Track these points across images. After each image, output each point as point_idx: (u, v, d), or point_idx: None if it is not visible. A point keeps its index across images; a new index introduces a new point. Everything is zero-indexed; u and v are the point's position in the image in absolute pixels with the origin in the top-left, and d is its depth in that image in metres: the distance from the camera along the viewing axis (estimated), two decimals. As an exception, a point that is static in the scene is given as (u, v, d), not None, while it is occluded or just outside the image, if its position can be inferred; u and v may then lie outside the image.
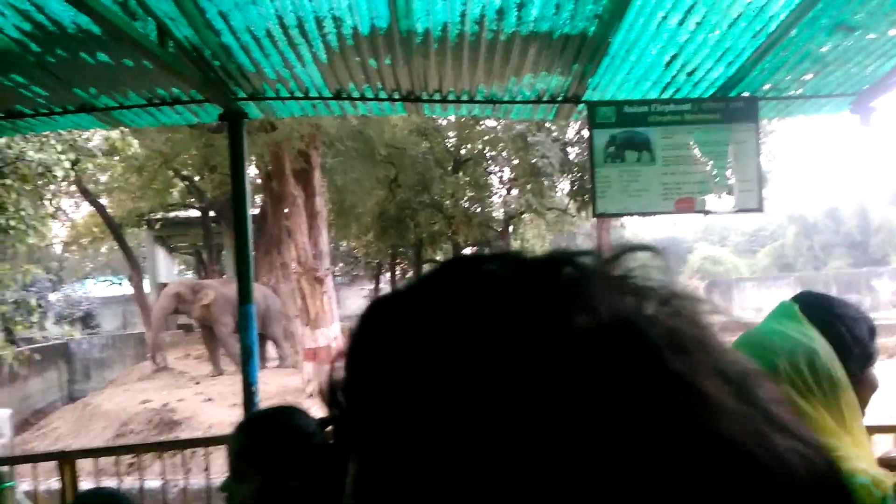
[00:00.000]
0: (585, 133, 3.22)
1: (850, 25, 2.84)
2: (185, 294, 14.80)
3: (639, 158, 3.30)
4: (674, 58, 2.94)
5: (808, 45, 2.88)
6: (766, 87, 3.20)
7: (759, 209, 3.29)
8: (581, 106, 3.39)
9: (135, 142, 9.56)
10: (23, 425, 12.42)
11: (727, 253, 41.49)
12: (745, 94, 3.23)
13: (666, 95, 3.28)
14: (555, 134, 17.91)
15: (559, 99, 3.35)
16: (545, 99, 3.35)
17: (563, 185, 20.25)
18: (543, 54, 2.87)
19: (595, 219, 15.48)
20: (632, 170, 3.31)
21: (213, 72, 2.97)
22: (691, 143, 3.24)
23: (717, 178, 3.25)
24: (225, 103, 3.20)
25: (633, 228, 42.03)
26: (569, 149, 18.24)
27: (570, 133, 17.83)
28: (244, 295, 3.25)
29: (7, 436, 8.69)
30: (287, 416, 1.52)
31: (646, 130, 3.29)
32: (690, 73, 3.07)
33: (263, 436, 1.44)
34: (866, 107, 3.31)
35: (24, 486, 4.42)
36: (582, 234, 31.82)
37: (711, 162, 3.25)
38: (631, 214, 3.41)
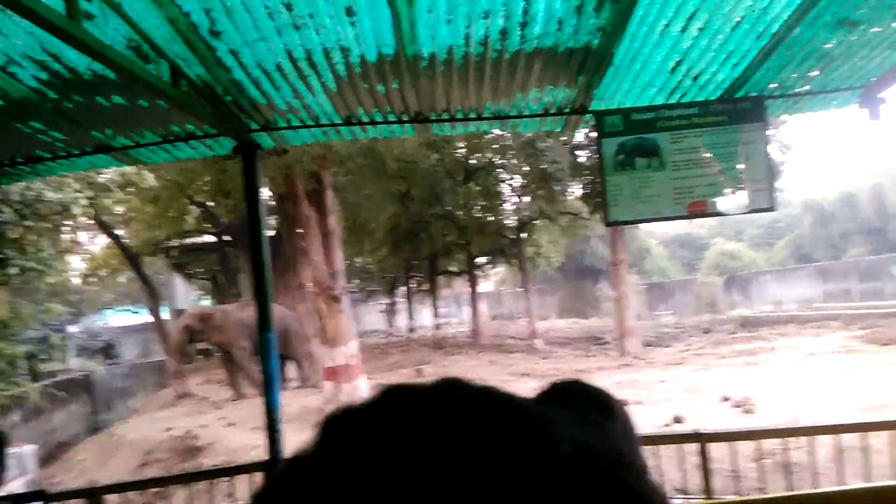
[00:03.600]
0: (595, 135, 3.24)
1: (854, 20, 2.85)
2: (193, 325, 14.98)
3: (649, 164, 3.32)
4: (678, 63, 2.96)
5: (813, 42, 2.89)
6: (773, 85, 3.21)
7: (772, 208, 3.29)
8: (588, 116, 3.41)
9: (150, 175, 9.70)
10: (48, 459, 12.53)
11: (744, 247, 41.16)
12: (752, 94, 3.24)
13: (673, 100, 3.30)
14: (564, 138, 17.92)
15: (566, 110, 3.38)
16: (552, 111, 3.38)
17: (575, 189, 20.24)
18: (549, 69, 2.90)
19: (608, 221, 15.46)
20: (642, 176, 3.32)
21: (225, 107, 3.03)
22: (700, 146, 3.26)
23: (728, 180, 3.26)
24: (238, 136, 3.26)
25: (648, 227, 41.88)
26: (579, 152, 18.23)
27: (580, 137, 17.81)
28: (263, 322, 3.29)
29: (33, 471, 8.79)
30: None
31: (654, 136, 3.32)
32: (696, 78, 3.09)
33: None
34: (875, 99, 3.31)
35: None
36: (596, 237, 31.75)
37: (721, 164, 3.26)
38: (644, 221, 3.42)
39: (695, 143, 3.28)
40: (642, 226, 33.09)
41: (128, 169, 8.59)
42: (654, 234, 45.52)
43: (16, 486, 7.53)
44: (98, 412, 18.07)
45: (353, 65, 2.69)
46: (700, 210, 3.34)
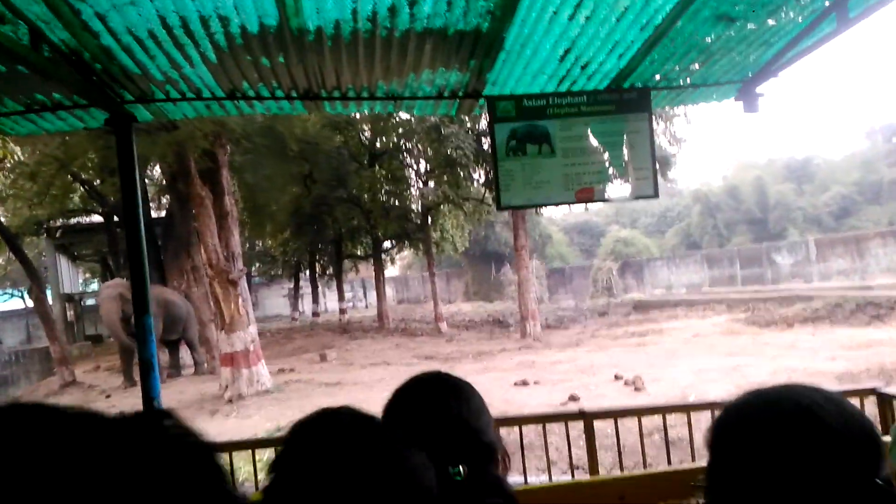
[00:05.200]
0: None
1: (731, 16, 2.98)
2: (126, 294, 13.91)
3: (539, 151, 3.36)
4: (567, 51, 2.99)
5: (694, 35, 3.00)
6: (657, 77, 3.31)
7: (655, 195, 3.41)
8: (481, 101, 3.41)
9: (17, 148, 8.97)
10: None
11: (638, 234, 43.03)
12: (638, 85, 3.34)
13: (563, 88, 3.34)
14: (469, 125, 18.05)
15: (459, 94, 3.36)
16: (446, 94, 3.36)
17: (479, 175, 20.46)
18: (440, 50, 2.87)
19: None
20: (533, 162, 3.36)
21: (94, 75, 2.81)
22: (588, 134, 3.33)
23: (615, 167, 3.35)
24: (111, 107, 3.05)
25: (549, 214, 43.00)
26: (483, 139, 18.43)
27: (484, 124, 17.98)
28: (140, 305, 3.11)
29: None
30: None
31: (545, 123, 3.36)
32: (584, 66, 3.14)
33: None
34: (751, 93, 3.48)
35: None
36: (500, 223, 32.31)
37: (608, 152, 3.34)
38: (534, 206, 3.47)
39: (583, 131, 3.35)
40: (544, 213, 33.96)
41: (-5, 141, 7.93)
42: (555, 221, 46.82)
43: None
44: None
45: (233, 35, 2.55)
46: (588, 196, 3.42)
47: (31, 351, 21.14)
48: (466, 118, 17.42)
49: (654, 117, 3.62)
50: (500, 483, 1.25)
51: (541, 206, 3.35)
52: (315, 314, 31.00)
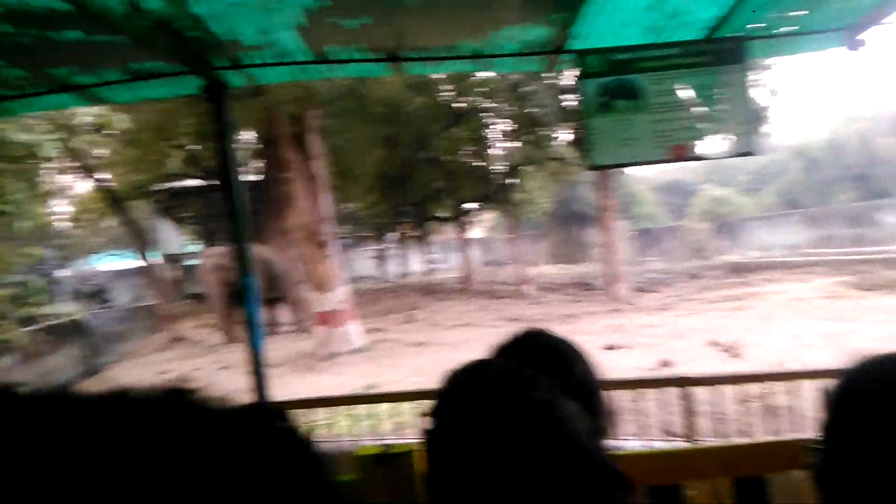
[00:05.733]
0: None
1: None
2: (223, 263, 14.76)
3: (630, 107, 3.24)
4: (659, 0, 2.85)
5: (798, -21, 2.79)
6: (756, 26, 3.10)
7: (753, 152, 3.23)
8: (568, 56, 3.30)
9: (120, 116, 9.48)
10: (43, 402, 12.64)
11: (733, 193, 41.16)
12: (734, 34, 3.14)
13: (653, 40, 3.19)
14: (552, 82, 17.63)
15: (546, 50, 3.27)
16: (531, 51, 3.27)
17: (563, 135, 20.03)
18: (525, 4, 2.79)
19: (597, 166, 15.42)
20: (624, 119, 3.24)
21: (189, 43, 2.90)
22: (681, 87, 3.17)
23: (710, 123, 3.19)
24: (205, 74, 3.15)
25: (637, 173, 41.73)
26: (566, 96, 17.97)
27: (568, 80, 17.52)
28: (243, 267, 3.25)
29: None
30: None
31: (636, 77, 3.22)
32: (677, 16, 2.98)
33: None
34: (859, 40, 3.22)
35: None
36: (584, 183, 31.63)
37: (703, 106, 3.18)
38: (625, 165, 3.36)
39: (676, 85, 3.20)
40: (631, 172, 32.95)
41: (97, 110, 8.38)
42: (643, 180, 45.42)
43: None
44: (92, 356, 18.14)
45: (319, -2, 2.57)
46: (681, 154, 3.27)
47: (139, 308, 22.60)
48: (549, 75, 17.01)
49: (749, 72, 3.41)
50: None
51: (632, 165, 3.24)
52: (401, 276, 31.56)
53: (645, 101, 3.24)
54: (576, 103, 17.84)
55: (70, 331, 17.67)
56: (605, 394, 1.29)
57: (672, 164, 3.57)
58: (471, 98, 20.86)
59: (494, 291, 22.76)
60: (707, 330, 11.80)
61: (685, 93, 3.23)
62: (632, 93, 3.24)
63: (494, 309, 18.45)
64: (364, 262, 39.52)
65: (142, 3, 2.55)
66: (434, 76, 18.46)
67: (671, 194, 45.52)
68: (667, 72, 3.16)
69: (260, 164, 18.42)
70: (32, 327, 12.50)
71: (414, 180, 23.25)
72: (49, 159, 7.46)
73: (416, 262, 35.28)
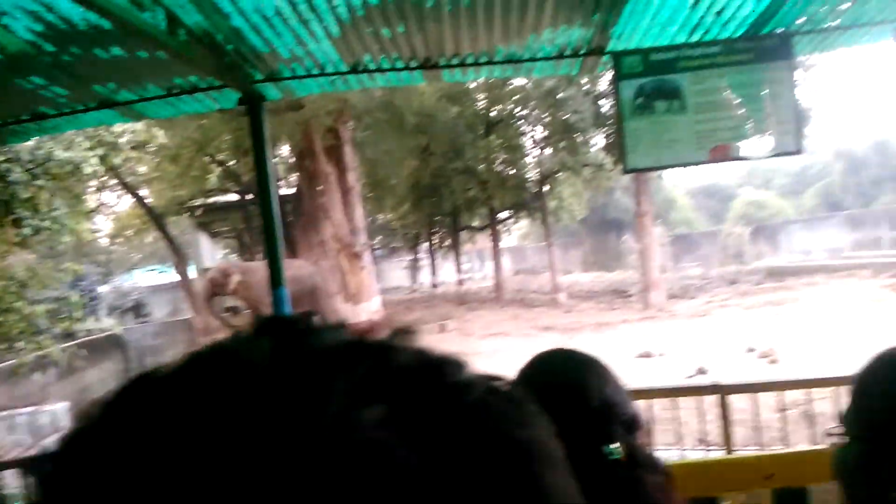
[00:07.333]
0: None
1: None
2: (217, 278, 15.03)
3: (669, 107, 3.18)
4: (700, -2, 2.79)
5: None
6: (801, 20, 3.02)
7: (798, 151, 3.14)
8: (606, 57, 3.26)
9: (160, 132, 9.67)
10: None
11: (772, 196, 40.36)
12: (778, 30, 3.06)
13: (695, 38, 3.13)
14: (587, 87, 17.53)
15: (582, 52, 3.23)
16: (568, 53, 3.24)
17: (598, 140, 19.87)
18: (562, 6, 2.76)
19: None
20: (662, 120, 3.18)
21: (227, 56, 2.94)
22: (723, 87, 3.10)
23: (753, 122, 3.11)
24: (243, 87, 3.18)
25: (674, 178, 41.21)
26: (601, 102, 17.82)
27: (603, 85, 17.39)
28: (275, 278, 3.26)
29: (66, 428, 9.03)
30: None
31: (675, 77, 3.16)
32: (719, 13, 2.91)
33: None
34: (912, 32, 3.11)
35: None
36: (620, 189, 31.33)
37: (746, 105, 3.10)
38: (664, 167, 3.29)
39: (717, 84, 3.13)
40: (667, 175, 32.56)
41: (137, 126, 8.57)
42: (680, 185, 44.79)
43: (50, 443, 7.75)
44: (130, 370, 18.48)
45: (354, 7, 2.57)
46: (723, 155, 3.20)
47: (177, 322, 22.96)
48: (584, 80, 16.91)
49: (794, 69, 3.31)
50: (654, 458, 1.18)
51: (671, 167, 3.17)
52: (434, 285, 31.57)
53: (685, 102, 3.17)
54: (610, 108, 17.73)
55: (107, 345, 18.01)
56: (637, 405, 1.24)
57: (711, 165, 3.50)
58: (505, 106, 20.84)
59: (528, 300, 22.61)
60: (745, 336, 11.55)
61: (727, 92, 3.15)
62: (671, 93, 3.18)
63: (528, 318, 18.31)
64: (397, 272, 39.64)
65: (182, 18, 2.59)
66: (469, 85, 18.51)
67: (708, 198, 44.79)
68: (708, 70, 3.09)
69: (295, 177, 18.65)
70: (70, 343, 12.80)
71: (447, 190, 23.26)
72: (90, 176, 7.66)
73: (448, 272, 35.29)
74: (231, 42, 2.82)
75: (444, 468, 0.27)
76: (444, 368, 0.33)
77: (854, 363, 0.98)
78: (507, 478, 0.30)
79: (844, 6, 2.98)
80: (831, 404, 4.71)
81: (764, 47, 3.06)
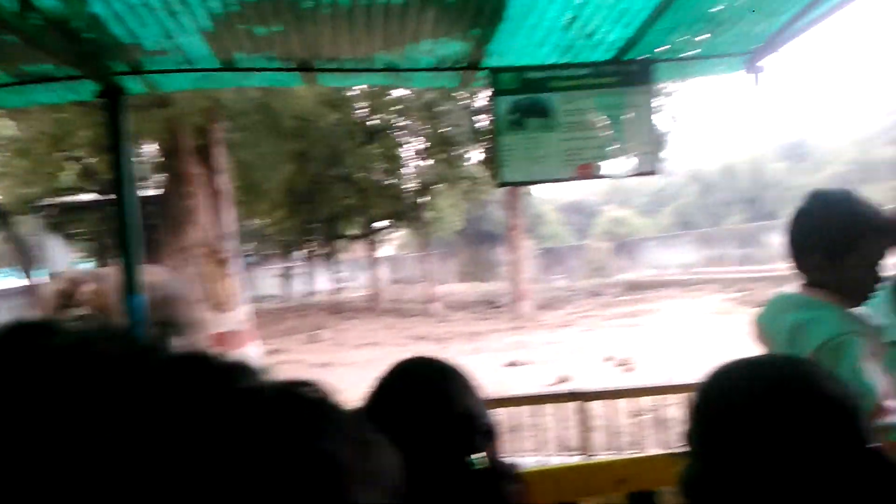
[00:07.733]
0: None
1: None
2: (66, 289, 13.92)
3: (541, 125, 3.30)
4: (573, 20, 2.92)
5: (701, 4, 2.92)
6: (662, 49, 3.24)
7: (654, 172, 3.36)
8: (483, 72, 3.33)
9: (11, 123, 8.83)
10: None
11: (632, 214, 43.02)
12: (642, 56, 3.27)
13: (566, 59, 3.27)
14: (466, 102, 17.91)
15: (461, 66, 3.29)
16: (446, 66, 3.28)
17: (475, 154, 20.34)
18: (441, 18, 2.79)
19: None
20: (534, 137, 3.30)
21: (85, 45, 2.73)
22: (591, 107, 3.26)
23: (616, 143, 3.29)
24: (102, 79, 2.96)
25: (543, 194, 42.91)
26: (479, 117, 18.27)
27: (481, 101, 17.84)
28: (129, 284, 3.05)
29: None
30: None
31: (547, 96, 3.29)
32: (590, 35, 3.06)
33: None
34: (758, 65, 3.42)
35: None
36: (494, 202, 32.21)
37: (610, 127, 3.28)
38: (535, 182, 3.41)
39: (585, 105, 3.28)
40: (537, 192, 33.88)
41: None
42: (549, 201, 46.71)
43: None
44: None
45: (229, 2, 2.47)
46: (588, 172, 3.36)
47: (23, 330, 21.04)
48: (464, 95, 17.27)
49: (654, 94, 3.55)
50: (511, 466, 1.20)
51: (541, 182, 3.29)
52: (308, 294, 30.94)
53: (555, 120, 3.30)
54: (488, 123, 18.21)
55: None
56: (492, 414, 1.25)
57: (578, 182, 3.66)
58: (385, 116, 20.85)
59: (402, 310, 22.70)
60: (605, 346, 12.20)
61: (593, 113, 3.32)
62: (543, 111, 3.31)
63: (402, 327, 18.38)
64: (269, 280, 38.48)
65: (34, 1, 2.38)
66: (348, 92, 18.33)
67: (575, 214, 47.07)
68: (577, 91, 3.24)
69: (161, 177, 17.68)
70: None
71: (324, 197, 22.92)
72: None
73: (323, 281, 34.70)
74: (90, 30, 2.63)
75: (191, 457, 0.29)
76: (231, 374, 0.33)
77: (701, 371, 1.03)
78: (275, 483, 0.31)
79: (701, 37, 3.23)
80: (681, 410, 5.06)
81: (628, 71, 3.25)
